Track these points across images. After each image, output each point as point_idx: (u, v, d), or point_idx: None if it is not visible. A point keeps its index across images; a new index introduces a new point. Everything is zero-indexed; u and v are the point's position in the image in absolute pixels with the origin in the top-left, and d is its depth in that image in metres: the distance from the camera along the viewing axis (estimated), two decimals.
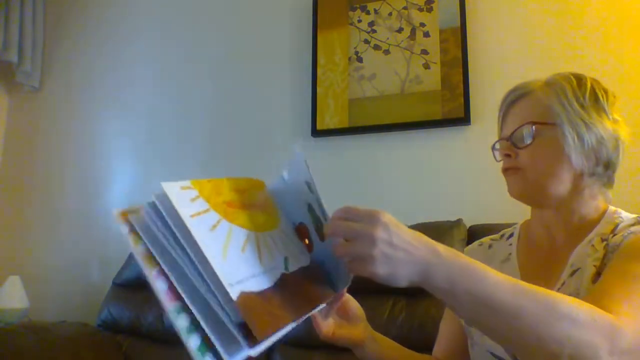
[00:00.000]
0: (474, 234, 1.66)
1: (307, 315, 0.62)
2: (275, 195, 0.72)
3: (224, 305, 0.52)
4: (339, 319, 0.82)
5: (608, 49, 1.85)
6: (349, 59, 2.15)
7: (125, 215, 0.55)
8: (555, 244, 0.87)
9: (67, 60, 2.69)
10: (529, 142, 0.84)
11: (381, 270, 0.56)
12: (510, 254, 0.93)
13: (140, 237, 0.54)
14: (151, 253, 0.53)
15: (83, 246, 2.45)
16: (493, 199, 1.67)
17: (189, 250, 0.53)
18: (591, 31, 1.88)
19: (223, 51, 2.42)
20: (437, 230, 1.72)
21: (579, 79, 0.86)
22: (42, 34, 2.69)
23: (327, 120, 2.13)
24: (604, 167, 0.84)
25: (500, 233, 1.00)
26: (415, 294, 1.62)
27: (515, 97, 0.89)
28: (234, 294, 0.52)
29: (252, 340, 0.52)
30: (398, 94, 2.05)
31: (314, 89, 2.17)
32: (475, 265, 0.59)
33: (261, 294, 0.56)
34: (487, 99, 1.94)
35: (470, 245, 1.03)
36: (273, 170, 2.50)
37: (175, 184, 0.56)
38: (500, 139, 0.91)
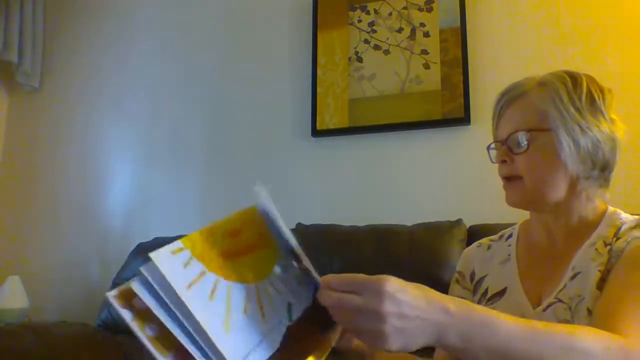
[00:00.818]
0: (474, 234, 1.66)
1: None
2: (267, 215, 0.66)
3: None
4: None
5: (607, 48, 1.85)
6: (349, 59, 2.14)
7: (122, 297, 0.49)
8: (555, 245, 0.87)
9: (67, 60, 2.69)
10: (524, 148, 0.83)
11: (394, 344, 0.53)
12: (509, 254, 0.93)
13: (145, 319, 0.49)
14: (161, 336, 0.48)
15: (83, 246, 2.45)
16: (493, 199, 1.67)
17: (191, 330, 0.49)
18: (591, 31, 1.88)
19: (223, 51, 2.42)
20: (437, 230, 1.72)
21: (575, 80, 0.83)
22: (42, 34, 2.69)
23: (327, 120, 2.13)
24: (600, 170, 0.83)
25: (499, 234, 1.00)
26: None
27: (509, 99, 0.87)
28: None
29: None
30: (398, 94, 2.05)
31: (314, 89, 2.17)
32: (489, 316, 0.57)
33: (275, 355, 0.53)
34: (487, 99, 1.94)
35: (469, 247, 1.03)
36: (272, 170, 2.50)
37: (164, 250, 0.50)
38: (495, 141, 0.91)
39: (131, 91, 2.53)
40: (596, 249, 0.80)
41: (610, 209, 0.86)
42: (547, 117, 0.82)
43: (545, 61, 1.90)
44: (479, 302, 0.91)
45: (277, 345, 0.55)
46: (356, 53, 2.14)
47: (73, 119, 2.61)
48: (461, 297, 0.94)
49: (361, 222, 1.84)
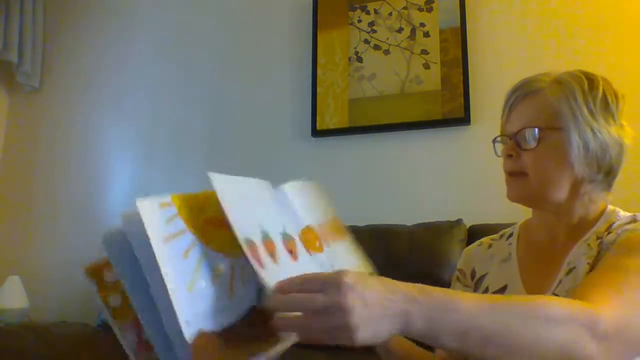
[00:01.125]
0: (474, 234, 1.66)
1: (270, 354, 0.57)
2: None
3: (179, 347, 0.49)
4: None
5: (607, 48, 1.85)
6: (349, 59, 2.15)
7: (94, 269, 0.54)
8: (555, 244, 0.87)
9: (67, 60, 2.69)
10: (533, 145, 0.82)
11: (362, 335, 0.52)
12: (510, 253, 0.93)
13: (110, 291, 0.52)
14: (123, 306, 0.51)
15: (83, 246, 2.45)
16: (493, 199, 1.67)
17: (151, 283, 0.50)
18: (591, 31, 1.88)
19: (223, 51, 2.41)
20: (437, 230, 1.72)
21: (591, 81, 0.83)
22: (42, 34, 2.69)
23: (327, 120, 2.13)
24: (605, 174, 0.83)
25: (500, 233, 1.00)
26: None
27: (523, 94, 0.86)
28: (189, 333, 0.49)
29: None
30: (398, 94, 2.05)
31: (314, 89, 2.17)
32: (450, 298, 0.57)
33: (221, 333, 0.53)
34: (487, 99, 1.94)
35: (469, 246, 1.03)
36: (272, 170, 2.50)
37: (153, 201, 0.52)
38: (503, 135, 0.89)
39: (131, 91, 2.53)
40: (588, 244, 0.81)
41: (610, 207, 0.86)
42: (559, 116, 0.81)
43: (545, 60, 1.90)
44: None
45: (231, 321, 0.55)
46: (356, 53, 2.14)
47: (73, 119, 2.61)
48: None
49: (361, 222, 1.84)
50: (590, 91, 0.82)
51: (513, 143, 0.85)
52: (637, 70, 1.82)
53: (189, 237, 0.53)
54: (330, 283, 0.52)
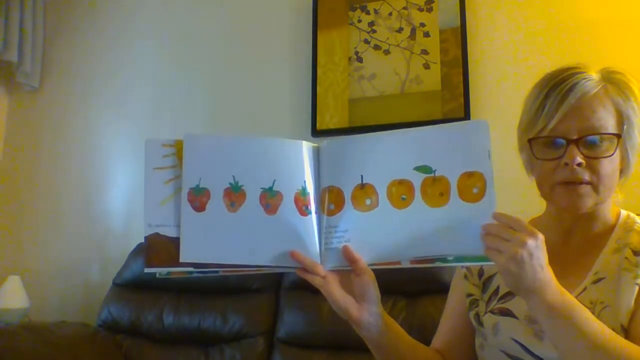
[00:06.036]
0: None
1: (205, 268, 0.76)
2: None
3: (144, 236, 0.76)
4: (345, 291, 0.77)
5: (608, 47, 1.85)
6: (349, 59, 2.15)
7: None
8: (568, 245, 0.86)
9: (67, 60, 2.69)
10: (609, 153, 0.76)
11: (512, 267, 0.66)
12: None
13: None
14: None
15: (83, 246, 2.45)
16: None
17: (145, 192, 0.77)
18: (592, 31, 1.88)
19: (223, 51, 2.42)
20: None
21: (633, 84, 0.81)
22: (42, 34, 2.69)
23: (327, 120, 2.13)
24: (627, 177, 0.83)
25: None
26: (415, 294, 1.62)
27: (581, 93, 0.77)
28: (147, 232, 0.77)
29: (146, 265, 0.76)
30: (398, 94, 2.05)
31: (314, 89, 2.17)
32: (579, 308, 0.68)
33: (174, 239, 0.76)
34: (487, 99, 1.94)
35: None
36: None
37: (158, 141, 0.82)
38: (556, 136, 0.79)
39: (131, 91, 2.53)
40: (626, 258, 0.78)
41: (623, 212, 0.85)
42: (625, 120, 0.78)
43: (546, 60, 1.89)
44: (489, 301, 0.90)
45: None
46: (356, 53, 2.14)
47: (73, 118, 2.61)
48: (471, 294, 0.93)
49: None
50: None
51: (575, 148, 0.76)
52: (637, 70, 1.82)
53: (175, 172, 0.79)
54: (530, 229, 0.68)
